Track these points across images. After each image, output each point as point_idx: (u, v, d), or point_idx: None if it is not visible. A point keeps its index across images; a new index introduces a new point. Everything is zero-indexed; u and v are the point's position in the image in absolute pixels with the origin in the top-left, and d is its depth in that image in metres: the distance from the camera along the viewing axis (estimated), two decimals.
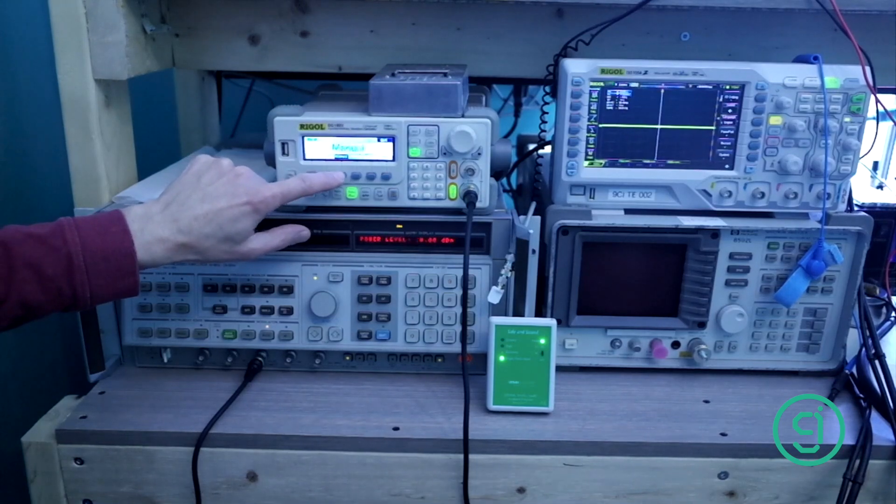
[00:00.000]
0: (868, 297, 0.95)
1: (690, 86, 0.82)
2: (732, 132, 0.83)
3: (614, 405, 0.84)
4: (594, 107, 0.83)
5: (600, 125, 0.84)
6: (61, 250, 0.61)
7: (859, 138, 0.83)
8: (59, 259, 0.61)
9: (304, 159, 0.81)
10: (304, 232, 0.81)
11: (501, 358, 0.81)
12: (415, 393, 0.85)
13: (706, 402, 0.85)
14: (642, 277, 0.87)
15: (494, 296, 0.82)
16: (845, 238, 0.85)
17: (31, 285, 0.60)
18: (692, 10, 0.90)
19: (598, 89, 0.82)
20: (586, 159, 0.85)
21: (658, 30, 0.94)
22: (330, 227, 0.84)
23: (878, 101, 0.82)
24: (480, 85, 1.08)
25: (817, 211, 0.85)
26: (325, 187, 0.79)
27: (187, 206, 0.69)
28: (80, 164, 0.86)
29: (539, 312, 0.88)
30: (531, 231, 0.82)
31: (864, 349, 0.86)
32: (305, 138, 0.81)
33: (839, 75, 0.81)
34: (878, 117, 0.85)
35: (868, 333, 0.85)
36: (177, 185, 0.71)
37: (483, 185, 0.82)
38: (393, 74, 0.83)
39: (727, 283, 0.87)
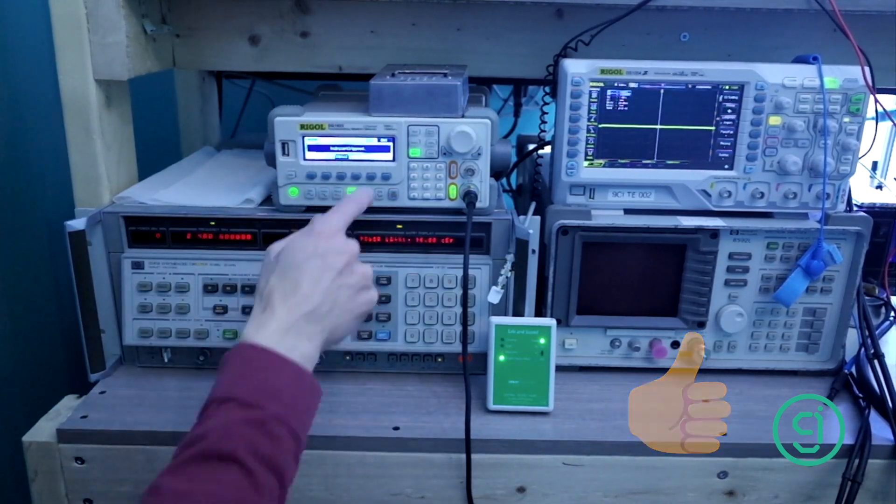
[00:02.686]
0: (867, 297, 0.96)
1: (690, 86, 0.82)
2: (732, 132, 0.84)
3: (614, 405, 0.84)
4: (594, 107, 0.83)
5: (600, 125, 0.84)
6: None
7: (858, 138, 0.83)
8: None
9: (305, 159, 0.82)
10: (364, 200, 0.79)
11: (501, 358, 0.81)
12: (415, 393, 0.85)
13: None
14: (642, 277, 0.87)
15: (494, 296, 0.82)
16: (844, 238, 0.85)
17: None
18: (692, 11, 0.90)
19: (598, 89, 0.82)
20: (586, 159, 0.85)
21: (658, 30, 0.94)
22: None
23: (877, 101, 0.82)
24: (480, 85, 1.08)
25: (816, 211, 0.85)
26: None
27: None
28: (80, 164, 0.86)
29: (539, 312, 0.89)
30: (531, 231, 0.83)
31: (863, 349, 0.86)
32: (306, 138, 0.81)
33: (838, 75, 0.81)
34: (878, 117, 0.85)
35: (867, 333, 0.85)
36: (327, 312, 0.68)
37: (483, 185, 0.82)
38: (393, 75, 0.83)
39: (726, 283, 0.87)
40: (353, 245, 0.72)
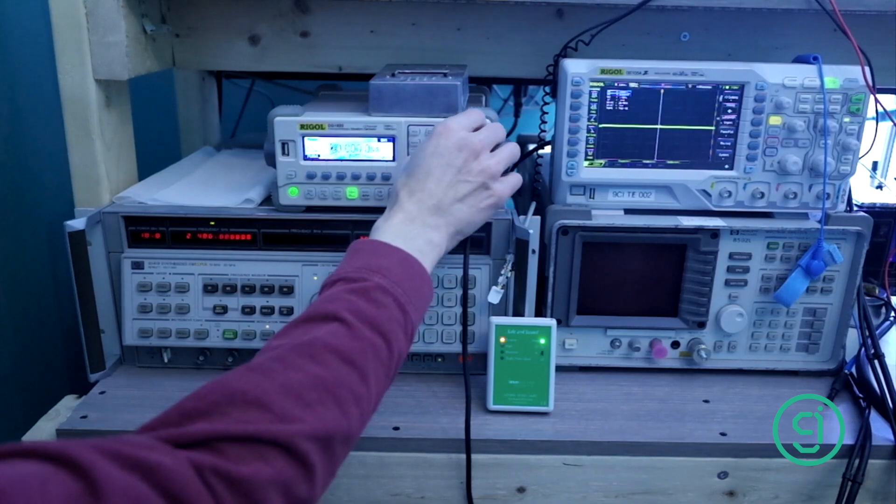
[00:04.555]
0: (867, 297, 0.96)
1: (690, 86, 0.82)
2: (732, 132, 0.84)
3: (614, 405, 0.84)
4: (594, 107, 0.83)
5: (600, 125, 0.84)
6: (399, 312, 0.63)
7: (859, 138, 0.83)
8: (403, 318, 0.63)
9: (305, 159, 0.82)
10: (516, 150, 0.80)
11: (501, 358, 0.81)
12: (415, 393, 0.85)
13: (706, 401, 0.85)
14: (642, 277, 0.87)
15: (494, 296, 0.82)
16: (845, 238, 0.85)
17: (403, 342, 0.63)
18: (692, 11, 0.90)
19: (598, 89, 0.82)
20: (586, 159, 0.85)
21: (658, 30, 0.94)
22: (330, 227, 0.85)
23: (877, 101, 0.82)
24: (480, 85, 1.08)
25: (817, 211, 0.85)
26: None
27: (463, 227, 0.74)
28: (80, 164, 0.86)
29: (539, 312, 0.89)
30: (531, 231, 0.82)
31: (863, 349, 0.86)
32: (306, 138, 0.81)
33: (839, 75, 0.81)
34: (878, 117, 0.85)
35: (867, 333, 0.85)
36: (436, 190, 0.72)
37: None
38: (393, 74, 0.83)
39: (727, 283, 0.87)
40: (473, 141, 0.73)
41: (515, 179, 0.78)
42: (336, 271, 0.65)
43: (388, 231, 0.69)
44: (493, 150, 0.76)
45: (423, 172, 0.72)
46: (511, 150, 0.77)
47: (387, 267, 0.64)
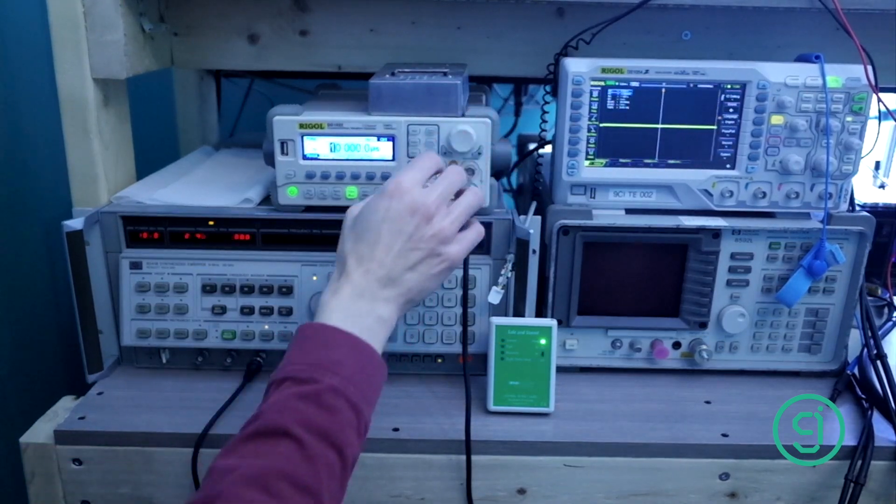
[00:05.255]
0: (870, 298, 0.95)
1: (692, 85, 0.82)
2: (734, 132, 0.83)
3: (615, 406, 0.83)
4: (595, 106, 0.83)
5: (601, 124, 0.83)
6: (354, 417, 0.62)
7: (861, 138, 0.82)
8: (354, 420, 0.62)
9: (304, 158, 0.81)
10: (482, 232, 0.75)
11: (502, 358, 0.80)
12: (415, 393, 0.85)
13: (707, 402, 0.85)
14: (643, 277, 0.87)
15: (494, 296, 0.82)
16: (847, 238, 0.85)
17: (355, 446, 0.61)
18: (693, 9, 0.90)
19: (599, 88, 0.82)
20: (587, 159, 0.85)
21: (659, 29, 0.94)
22: (330, 227, 0.84)
23: (879, 100, 0.81)
24: (480, 84, 1.08)
25: (819, 211, 0.85)
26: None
27: (416, 296, 0.70)
28: (78, 164, 0.86)
29: (539, 313, 0.88)
30: (531, 231, 0.82)
31: (865, 350, 0.85)
32: (305, 137, 0.80)
33: (841, 74, 0.80)
34: (880, 117, 0.85)
35: (870, 334, 0.85)
36: (388, 261, 0.67)
37: (483, 184, 0.82)
38: (393, 74, 0.82)
39: (728, 284, 0.87)
40: (427, 202, 0.68)
41: (475, 234, 0.73)
42: (284, 365, 0.62)
43: (337, 310, 0.65)
44: (454, 197, 0.72)
45: (372, 237, 0.67)
46: (469, 202, 0.72)
47: (338, 361, 0.61)
